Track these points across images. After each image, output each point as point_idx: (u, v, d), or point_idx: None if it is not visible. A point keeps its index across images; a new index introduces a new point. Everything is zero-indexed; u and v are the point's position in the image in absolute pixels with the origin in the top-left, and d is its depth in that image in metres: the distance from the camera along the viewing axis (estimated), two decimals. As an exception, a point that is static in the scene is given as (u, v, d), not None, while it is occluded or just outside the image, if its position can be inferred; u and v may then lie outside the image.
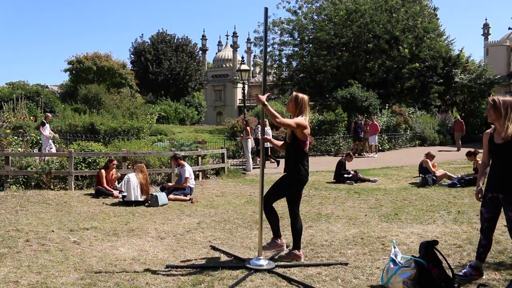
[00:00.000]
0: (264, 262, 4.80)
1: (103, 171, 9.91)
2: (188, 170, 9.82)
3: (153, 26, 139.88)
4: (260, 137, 16.70)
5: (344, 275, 4.58)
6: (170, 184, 10.22)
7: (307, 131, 4.91)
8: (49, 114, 17.75)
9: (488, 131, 4.48)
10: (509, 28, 32.87)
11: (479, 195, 4.52)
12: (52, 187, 10.27)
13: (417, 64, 29.75)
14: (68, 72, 37.62)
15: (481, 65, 36.34)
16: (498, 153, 4.30)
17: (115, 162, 10.26)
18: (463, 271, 4.53)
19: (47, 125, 15.70)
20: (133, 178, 8.96)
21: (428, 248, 4.20)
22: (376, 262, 4.98)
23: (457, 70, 32.75)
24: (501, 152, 4.26)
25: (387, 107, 26.78)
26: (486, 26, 70.00)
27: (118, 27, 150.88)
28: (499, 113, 4.21)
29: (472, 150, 11.83)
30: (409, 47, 29.38)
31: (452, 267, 4.19)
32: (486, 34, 69.39)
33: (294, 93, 5.06)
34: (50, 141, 15.52)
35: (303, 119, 4.88)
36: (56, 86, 56.97)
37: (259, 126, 17.28)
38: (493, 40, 67.70)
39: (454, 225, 6.75)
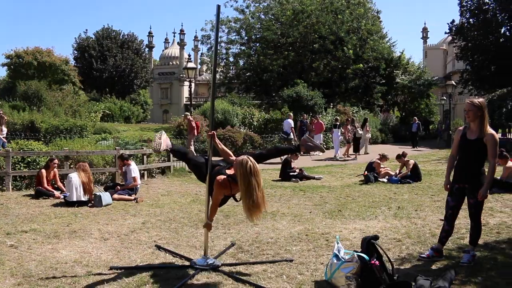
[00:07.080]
0: (210, 261, 4.80)
1: (43, 171, 9.54)
2: (134, 169, 9.62)
3: (98, 22, 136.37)
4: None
5: (289, 271, 4.65)
6: (117, 189, 9.54)
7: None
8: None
9: (460, 128, 5.07)
10: (446, 33, 34.48)
11: (448, 186, 5.01)
12: (-13, 188, 9.78)
13: (361, 65, 30.63)
14: (6, 67, 35.99)
15: (420, 67, 37.92)
16: (470, 148, 4.79)
17: (56, 161, 9.90)
18: (425, 253, 5.02)
19: None
20: (75, 178, 8.67)
21: (369, 243, 4.35)
22: (320, 258, 5.09)
23: (398, 71, 34.05)
24: (473, 147, 4.76)
25: (331, 106, 27.38)
26: (424, 30, 73.28)
27: (61, 21, 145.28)
28: (479, 113, 4.71)
29: (401, 152, 12.19)
30: (353, 48, 30.16)
31: (392, 260, 4.36)
32: (425, 38, 72.71)
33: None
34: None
35: None
36: (-9, 81, 54.16)
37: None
38: (431, 44, 71.15)
39: (394, 220, 7.01)
